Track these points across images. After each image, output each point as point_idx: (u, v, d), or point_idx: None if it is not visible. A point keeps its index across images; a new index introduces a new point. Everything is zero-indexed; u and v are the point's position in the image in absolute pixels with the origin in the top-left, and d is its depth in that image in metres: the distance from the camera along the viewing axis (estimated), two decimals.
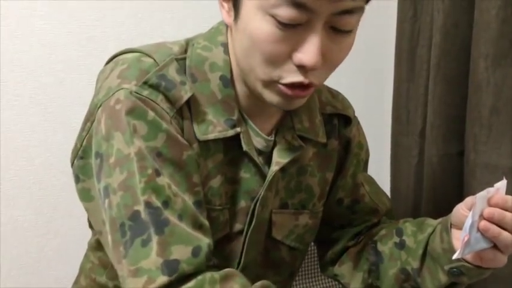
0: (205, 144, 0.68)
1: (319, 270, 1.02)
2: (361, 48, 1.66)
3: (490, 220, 0.66)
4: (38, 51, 1.24)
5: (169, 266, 0.57)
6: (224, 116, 0.68)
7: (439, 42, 1.34)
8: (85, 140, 0.66)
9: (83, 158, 0.66)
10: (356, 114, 1.75)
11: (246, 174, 0.70)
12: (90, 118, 0.66)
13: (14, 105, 1.24)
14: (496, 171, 1.24)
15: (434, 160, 1.39)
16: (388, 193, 1.67)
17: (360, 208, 0.86)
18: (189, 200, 0.63)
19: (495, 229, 0.66)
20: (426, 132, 1.42)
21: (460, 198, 1.40)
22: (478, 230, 0.67)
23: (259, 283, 0.64)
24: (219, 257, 0.70)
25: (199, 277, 0.58)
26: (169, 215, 0.60)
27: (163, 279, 0.57)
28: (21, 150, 1.24)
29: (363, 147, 0.87)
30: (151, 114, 0.63)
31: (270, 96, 0.65)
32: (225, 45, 0.68)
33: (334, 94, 0.85)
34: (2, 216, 1.26)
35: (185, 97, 0.65)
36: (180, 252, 0.58)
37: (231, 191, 0.70)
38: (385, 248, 0.83)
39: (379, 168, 1.71)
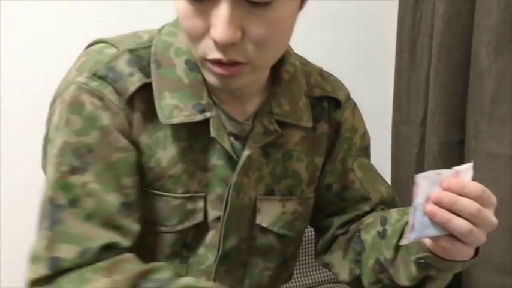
0: (164, 132, 0.66)
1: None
2: (362, 36, 1.67)
3: (439, 205, 0.57)
4: (39, 48, 1.24)
5: (52, 261, 0.60)
6: (192, 101, 0.66)
7: (440, 30, 1.34)
8: (46, 128, 0.69)
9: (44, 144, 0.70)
10: (357, 103, 1.75)
11: (219, 161, 0.69)
12: (50, 108, 0.68)
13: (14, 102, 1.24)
14: (496, 160, 1.24)
15: (435, 148, 1.39)
16: (389, 182, 1.68)
17: (349, 195, 0.81)
18: (114, 200, 0.63)
19: (443, 214, 0.57)
20: (427, 121, 1.42)
21: None
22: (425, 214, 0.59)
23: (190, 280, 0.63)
24: (198, 245, 0.70)
25: (82, 269, 0.60)
26: (69, 214, 0.61)
27: (45, 271, 0.60)
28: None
29: (357, 131, 0.81)
30: (89, 109, 0.63)
31: (207, 76, 0.63)
32: None
33: (325, 76, 0.81)
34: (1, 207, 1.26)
35: (131, 88, 0.64)
36: (67, 252, 0.60)
37: (206, 178, 0.69)
38: (368, 236, 0.78)
39: (380, 157, 1.70)
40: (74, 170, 0.62)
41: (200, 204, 0.69)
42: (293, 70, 0.74)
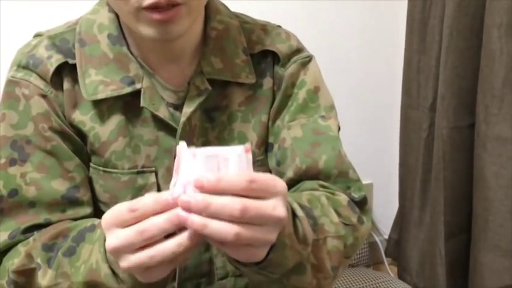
0: (99, 108, 0.66)
1: None
2: (371, 20, 1.65)
3: (189, 210, 0.45)
4: None
5: None
6: (119, 75, 0.66)
7: (451, 13, 1.31)
8: None
9: None
10: (365, 89, 1.73)
11: (160, 133, 0.68)
12: None
13: None
14: (507, 143, 1.23)
15: (444, 133, 1.38)
16: (397, 167, 1.68)
17: (281, 156, 0.72)
18: (59, 185, 0.65)
19: (194, 221, 0.44)
20: (437, 105, 1.40)
21: (470, 171, 1.41)
22: None
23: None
24: None
25: (17, 246, 0.64)
26: (10, 204, 0.64)
27: None
28: None
29: (304, 86, 0.73)
30: (22, 102, 0.65)
31: (144, 29, 0.61)
32: (109, 4, 0.68)
33: (268, 30, 0.75)
34: None
35: (51, 69, 0.65)
36: (1, 237, 0.64)
37: (153, 152, 0.68)
38: None
39: (388, 142, 1.70)
40: (12, 162, 0.65)
41: (152, 179, 0.68)
42: (222, 27, 0.71)
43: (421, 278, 1.56)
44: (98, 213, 0.69)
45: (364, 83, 1.63)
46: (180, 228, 0.45)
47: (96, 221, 0.60)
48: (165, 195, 0.46)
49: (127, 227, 0.46)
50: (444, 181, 1.39)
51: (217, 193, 0.44)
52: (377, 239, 1.74)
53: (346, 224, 0.64)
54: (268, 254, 0.50)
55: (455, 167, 1.38)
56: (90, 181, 0.69)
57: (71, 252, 0.59)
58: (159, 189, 0.69)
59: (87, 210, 0.67)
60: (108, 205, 0.68)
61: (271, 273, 0.53)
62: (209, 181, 0.44)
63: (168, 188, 0.68)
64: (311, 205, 0.62)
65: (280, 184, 0.47)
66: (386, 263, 1.73)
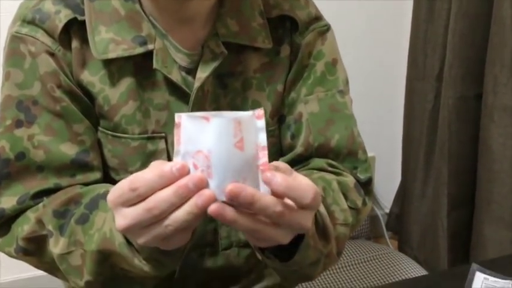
0: (108, 69, 0.63)
1: None
2: None
3: (233, 199, 0.42)
4: None
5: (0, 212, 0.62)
6: (131, 34, 0.62)
7: None
8: None
9: None
10: (370, 62, 1.69)
11: (172, 97, 0.65)
12: None
13: None
14: None
15: (450, 102, 1.36)
16: (400, 140, 1.66)
17: (296, 130, 0.70)
18: (69, 149, 0.62)
19: (227, 215, 0.43)
20: (444, 74, 1.38)
21: (476, 143, 1.39)
22: None
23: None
24: None
25: (26, 212, 0.62)
26: (17, 167, 0.62)
27: None
28: None
29: (323, 58, 0.70)
30: (28, 59, 0.62)
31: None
32: None
33: None
34: None
35: (60, 26, 0.61)
36: (7, 202, 0.62)
37: (163, 117, 0.65)
38: None
39: (392, 115, 1.68)
40: (19, 123, 0.62)
41: (162, 145, 0.66)
42: None
43: (422, 251, 1.55)
44: (106, 179, 0.66)
45: (369, 55, 1.60)
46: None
47: (109, 187, 0.58)
48: (167, 168, 0.43)
49: (134, 205, 0.44)
50: (449, 152, 1.37)
51: (250, 206, 0.42)
52: (378, 213, 1.73)
53: (351, 208, 0.64)
54: (292, 254, 0.52)
55: (460, 138, 1.37)
56: (99, 145, 0.66)
57: (84, 220, 0.57)
58: (169, 156, 0.67)
59: (97, 175, 0.64)
60: (117, 171, 0.66)
61: (289, 267, 0.54)
62: (245, 197, 0.42)
63: None
64: (325, 194, 0.61)
65: (316, 197, 0.45)
66: (387, 236, 1.73)
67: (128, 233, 0.47)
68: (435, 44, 1.43)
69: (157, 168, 0.43)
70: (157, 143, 0.66)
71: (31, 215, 0.60)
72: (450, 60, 1.34)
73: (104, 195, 0.57)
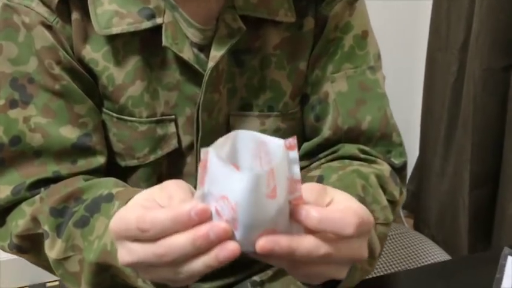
0: (112, 45, 0.57)
1: None
2: None
3: (269, 253, 0.37)
4: None
5: None
6: (137, 5, 0.56)
7: None
8: None
9: None
10: (386, 31, 1.61)
11: (182, 77, 0.59)
12: None
13: None
14: None
15: (476, 75, 1.28)
16: (419, 115, 1.59)
17: (321, 111, 0.64)
18: (69, 133, 0.57)
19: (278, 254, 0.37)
20: (469, 44, 1.30)
21: (503, 117, 1.31)
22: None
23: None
24: (174, 176, 0.62)
25: (21, 204, 0.57)
26: (12, 153, 0.56)
27: None
28: None
29: (351, 31, 0.64)
30: (23, 33, 0.56)
31: None
32: None
33: None
34: None
35: None
36: (1, 192, 0.56)
37: (173, 98, 0.60)
38: None
39: (410, 88, 1.60)
40: (13, 104, 0.56)
41: (171, 128, 0.61)
42: None
43: (440, 230, 1.50)
44: (111, 165, 0.60)
45: (386, 23, 1.52)
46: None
47: (113, 188, 0.53)
48: (185, 211, 0.36)
49: (141, 243, 0.38)
50: (473, 127, 1.31)
51: (290, 257, 0.37)
52: None
53: (389, 202, 0.59)
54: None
55: (486, 111, 1.30)
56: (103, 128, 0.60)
57: (83, 223, 0.51)
58: (179, 141, 0.61)
59: (101, 160, 0.59)
60: (123, 156, 0.61)
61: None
62: (281, 250, 0.36)
63: (188, 139, 0.61)
64: (364, 193, 0.56)
65: (361, 222, 0.39)
66: (402, 215, 1.68)
67: (132, 267, 0.41)
68: (460, 11, 1.34)
69: (173, 210, 0.37)
70: (167, 126, 0.60)
71: (27, 209, 0.55)
72: (477, 28, 1.25)
73: (108, 199, 0.51)
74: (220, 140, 0.37)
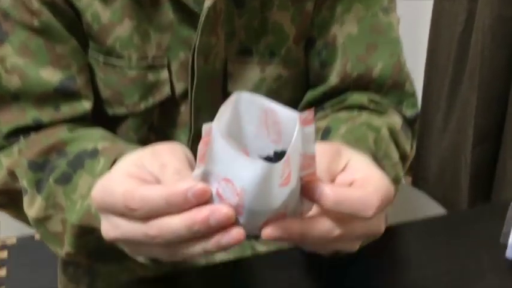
0: None
1: None
2: None
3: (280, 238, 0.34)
4: None
5: None
6: None
7: None
8: None
9: None
10: None
11: (176, 16, 0.54)
12: None
13: None
14: None
15: (486, 23, 1.22)
16: (419, 68, 1.53)
17: (328, 57, 0.60)
18: (50, 75, 0.53)
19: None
20: None
21: (510, 73, 1.23)
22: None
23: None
24: (167, 126, 0.60)
25: None
26: None
27: None
28: None
29: None
30: None
31: None
32: None
33: None
34: None
35: None
36: None
37: (165, 40, 0.55)
38: None
39: (415, 40, 1.54)
40: None
41: (164, 74, 0.56)
42: None
43: (440, 187, 1.48)
44: (97, 114, 0.56)
45: None
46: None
47: (99, 142, 0.49)
48: (180, 190, 0.32)
49: (129, 221, 0.34)
50: (479, 80, 1.26)
51: (301, 242, 0.35)
52: None
53: (400, 157, 0.56)
54: None
55: (494, 64, 1.25)
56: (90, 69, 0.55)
57: (66, 180, 0.48)
58: (172, 88, 0.57)
59: (86, 106, 0.55)
60: (111, 104, 0.57)
61: None
62: (291, 237, 0.33)
63: (181, 87, 0.56)
64: (376, 148, 0.53)
65: (384, 198, 0.35)
66: None
67: (117, 243, 0.36)
68: None
69: (167, 188, 0.32)
70: (159, 72, 0.56)
71: (3, 161, 0.52)
72: None
73: (92, 154, 0.48)
74: (222, 109, 0.33)
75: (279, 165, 0.30)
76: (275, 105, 0.34)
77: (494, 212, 0.61)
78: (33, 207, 0.49)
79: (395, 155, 0.54)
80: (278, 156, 0.34)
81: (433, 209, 1.18)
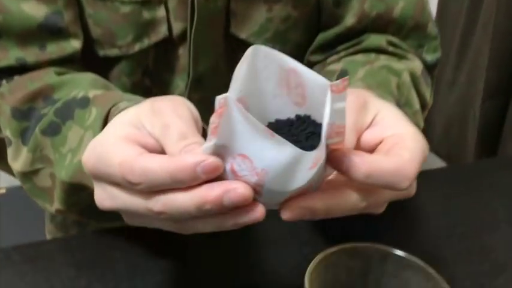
0: None
1: None
2: None
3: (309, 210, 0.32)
4: None
5: None
6: None
7: None
8: None
9: None
10: None
11: None
12: None
13: None
14: None
15: None
16: (434, 15, 1.47)
17: None
18: (35, 10, 0.48)
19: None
20: None
21: None
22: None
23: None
24: (163, 71, 0.56)
25: None
26: None
27: None
28: None
29: None
30: None
31: None
32: None
33: None
34: None
35: None
36: None
37: None
38: None
39: None
40: None
41: (161, 12, 0.52)
42: None
43: (445, 144, 1.45)
44: (87, 56, 0.51)
45: None
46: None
47: (90, 89, 0.45)
48: (188, 163, 0.27)
49: (129, 193, 0.30)
50: (494, 29, 1.20)
51: (327, 216, 0.31)
52: None
53: (421, 106, 0.53)
54: None
55: (509, 14, 1.18)
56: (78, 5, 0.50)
57: (54, 131, 0.44)
58: (169, 27, 0.52)
59: (75, 44, 0.50)
60: (101, 44, 0.53)
61: None
62: (315, 214, 0.30)
63: (179, 27, 0.52)
64: (399, 93, 0.49)
65: (419, 163, 0.31)
66: None
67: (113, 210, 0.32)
68: None
69: (172, 161, 0.28)
70: (155, 9, 0.52)
71: None
72: None
73: (82, 103, 0.43)
74: (236, 73, 0.29)
75: (312, 153, 0.27)
76: (300, 66, 0.31)
77: (505, 164, 0.58)
78: (18, 160, 0.45)
79: (416, 102, 0.50)
80: (301, 120, 0.31)
81: (436, 165, 1.16)
